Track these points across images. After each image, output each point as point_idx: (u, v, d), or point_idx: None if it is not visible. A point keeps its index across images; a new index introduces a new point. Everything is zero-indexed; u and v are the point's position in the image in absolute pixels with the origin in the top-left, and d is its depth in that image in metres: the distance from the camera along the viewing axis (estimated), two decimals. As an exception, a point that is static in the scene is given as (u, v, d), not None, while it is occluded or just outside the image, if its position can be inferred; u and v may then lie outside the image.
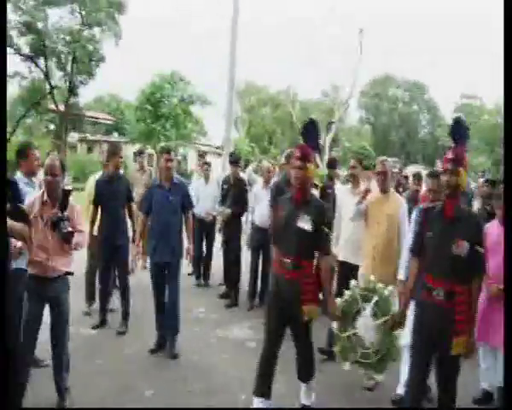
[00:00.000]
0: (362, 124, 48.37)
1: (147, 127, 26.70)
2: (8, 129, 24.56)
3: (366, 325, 3.52)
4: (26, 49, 22.44)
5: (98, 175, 5.67)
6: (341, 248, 4.82)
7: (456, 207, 3.11)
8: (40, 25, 21.63)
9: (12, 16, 20.96)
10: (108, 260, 5.23)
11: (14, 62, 23.79)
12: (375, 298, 3.54)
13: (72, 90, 24.02)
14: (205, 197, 6.99)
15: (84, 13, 22.51)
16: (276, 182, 5.78)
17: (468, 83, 72.26)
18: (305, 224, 3.40)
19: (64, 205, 3.38)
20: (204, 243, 7.15)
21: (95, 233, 5.23)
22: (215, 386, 4.02)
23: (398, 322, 3.34)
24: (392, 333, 3.47)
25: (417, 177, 6.65)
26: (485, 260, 3.15)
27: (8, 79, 23.46)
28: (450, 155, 3.14)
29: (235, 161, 6.67)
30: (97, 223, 5.27)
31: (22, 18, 21.07)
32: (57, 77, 23.80)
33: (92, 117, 34.93)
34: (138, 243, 4.87)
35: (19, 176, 4.11)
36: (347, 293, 3.70)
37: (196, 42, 77.10)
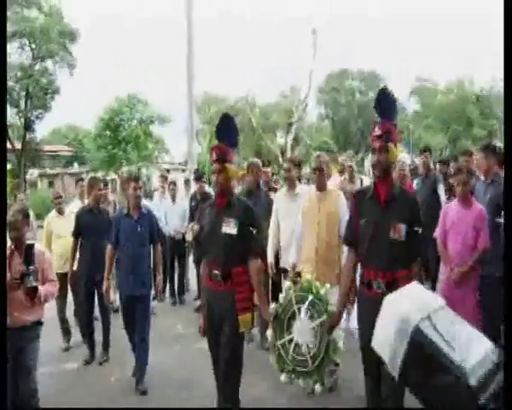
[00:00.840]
0: (321, 120, 49.07)
1: (108, 153, 26.57)
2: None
3: (301, 329, 3.11)
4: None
5: (53, 213, 5.85)
6: (283, 254, 4.68)
7: (390, 189, 2.83)
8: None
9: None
10: (90, 293, 5.27)
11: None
12: (310, 297, 3.13)
13: (27, 127, 23.64)
14: (172, 216, 7.21)
15: (34, 46, 22.21)
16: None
17: (422, 67, 74.35)
18: (229, 228, 3.17)
19: (28, 259, 3.33)
20: (176, 262, 7.33)
21: (74, 268, 5.25)
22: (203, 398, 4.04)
23: (334, 323, 3.02)
24: (331, 335, 3.06)
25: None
26: (423, 240, 2.89)
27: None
28: (376, 131, 2.82)
29: (199, 177, 7.02)
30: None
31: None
32: (10, 114, 23.40)
33: (50, 151, 34.37)
34: (108, 277, 4.69)
35: None
36: (281, 296, 3.34)
37: (150, 59, 76.77)
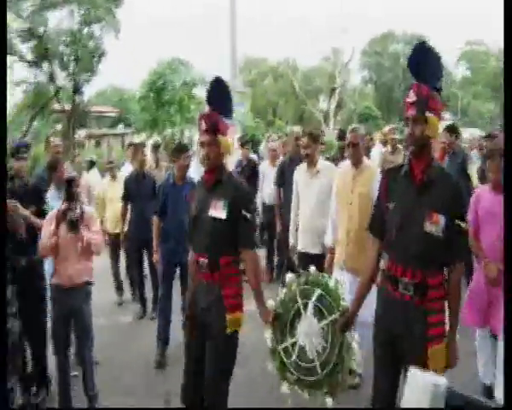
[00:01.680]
0: (365, 84, 47.88)
1: (151, 116, 27.18)
2: (19, 135, 25.13)
3: (308, 331, 2.59)
4: (29, 56, 22.84)
5: (106, 177, 6.40)
6: (300, 235, 4.37)
7: (428, 168, 2.30)
8: (41, 30, 21.97)
9: (14, 25, 21.35)
10: (139, 253, 5.68)
11: (19, 70, 24.26)
12: (318, 292, 2.61)
13: (76, 90, 24.41)
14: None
15: (82, 12, 22.72)
16: (282, 161, 6.03)
17: (473, 30, 70.65)
18: (218, 211, 2.75)
19: (69, 196, 3.48)
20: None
21: (125, 230, 5.71)
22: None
23: (348, 320, 2.54)
24: (345, 336, 2.54)
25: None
26: (467, 240, 2.42)
27: (14, 86, 24.04)
28: (411, 98, 2.28)
29: (244, 143, 7.29)
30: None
31: (23, 25, 21.45)
32: (61, 78, 24.20)
33: (97, 112, 35.28)
34: (156, 249, 4.75)
35: (52, 191, 4.45)
36: (282, 291, 2.85)
37: (194, 23, 76.30)
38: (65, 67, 23.60)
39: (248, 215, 2.79)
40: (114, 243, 6.29)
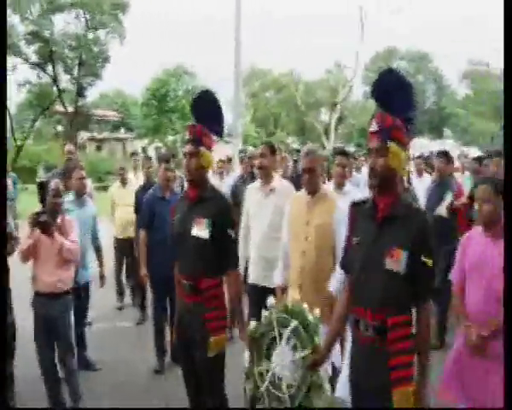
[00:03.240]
0: (366, 99, 48.19)
1: (154, 122, 27.45)
2: (20, 136, 25.23)
3: (281, 361, 2.45)
4: (34, 58, 23.06)
5: (117, 183, 6.26)
6: (251, 266, 3.73)
7: (392, 203, 2.09)
8: (47, 33, 22.22)
9: (20, 27, 21.60)
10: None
11: (23, 71, 24.42)
12: (294, 323, 2.44)
13: (79, 93, 24.60)
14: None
15: (88, 16, 23.04)
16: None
17: (474, 50, 71.34)
18: (200, 230, 2.63)
19: (42, 198, 3.48)
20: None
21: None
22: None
23: (318, 361, 2.31)
24: (316, 374, 2.35)
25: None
26: (433, 277, 2.12)
27: (18, 87, 24.20)
28: (373, 127, 2.09)
29: (244, 157, 7.14)
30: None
31: (29, 28, 21.70)
32: (64, 81, 24.41)
33: (99, 116, 35.45)
34: (144, 263, 4.52)
35: (70, 197, 4.27)
36: (264, 314, 2.64)
37: (198, 31, 76.92)
38: (69, 71, 23.83)
39: (232, 234, 2.72)
40: (121, 248, 6.23)
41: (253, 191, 3.82)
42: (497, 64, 42.42)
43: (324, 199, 3.11)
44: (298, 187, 3.72)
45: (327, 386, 2.36)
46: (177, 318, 2.89)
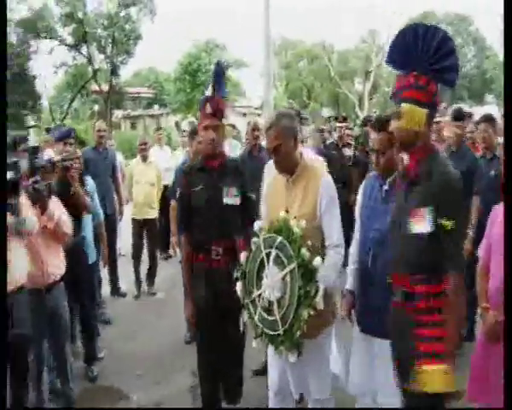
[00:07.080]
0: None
1: (186, 97, 27.73)
2: (58, 115, 26.06)
3: (270, 282, 2.34)
4: (69, 40, 23.57)
5: (137, 158, 5.92)
6: None
7: (418, 164, 2.01)
8: (80, 14, 22.59)
9: (55, 10, 22.11)
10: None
11: (59, 53, 25.03)
12: (279, 239, 2.31)
13: (113, 71, 25.07)
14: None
15: (120, -6, 23.27)
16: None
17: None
18: (232, 198, 2.79)
19: (32, 166, 2.93)
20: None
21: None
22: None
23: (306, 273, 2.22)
24: (306, 286, 2.21)
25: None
26: (454, 244, 1.93)
27: (55, 69, 24.86)
28: (396, 86, 2.05)
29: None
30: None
31: (64, 10, 22.13)
32: (99, 60, 24.90)
33: (132, 93, 35.98)
34: (174, 234, 4.57)
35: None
36: (253, 240, 2.52)
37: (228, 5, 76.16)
38: (102, 50, 24.28)
39: (253, 195, 2.88)
40: (139, 230, 5.74)
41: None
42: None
43: (305, 175, 2.48)
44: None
45: (318, 298, 2.22)
46: (199, 288, 2.83)
